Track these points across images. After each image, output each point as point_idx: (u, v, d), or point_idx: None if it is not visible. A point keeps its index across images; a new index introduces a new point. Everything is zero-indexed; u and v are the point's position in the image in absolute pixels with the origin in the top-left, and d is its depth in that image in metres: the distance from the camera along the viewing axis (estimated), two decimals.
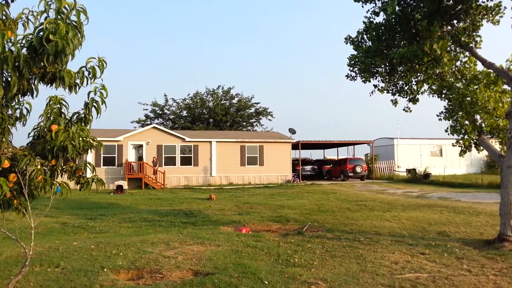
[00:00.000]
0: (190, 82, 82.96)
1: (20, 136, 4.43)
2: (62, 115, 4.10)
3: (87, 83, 3.95)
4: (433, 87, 10.29)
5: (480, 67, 9.72)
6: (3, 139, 3.86)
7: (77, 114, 4.14)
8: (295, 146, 33.55)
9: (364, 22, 10.07)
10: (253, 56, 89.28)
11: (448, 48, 9.32)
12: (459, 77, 9.96)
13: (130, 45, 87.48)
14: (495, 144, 9.99)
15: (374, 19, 9.92)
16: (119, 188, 23.23)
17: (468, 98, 9.41)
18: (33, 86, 3.82)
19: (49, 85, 3.83)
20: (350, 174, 31.89)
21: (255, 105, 48.63)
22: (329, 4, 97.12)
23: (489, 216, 11.81)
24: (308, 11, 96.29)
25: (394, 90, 10.85)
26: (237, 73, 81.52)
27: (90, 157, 26.71)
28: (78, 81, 3.89)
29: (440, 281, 5.70)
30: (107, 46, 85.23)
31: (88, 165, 4.38)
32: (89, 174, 4.48)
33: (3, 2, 3.65)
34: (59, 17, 3.39)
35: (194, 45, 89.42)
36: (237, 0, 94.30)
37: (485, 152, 12.17)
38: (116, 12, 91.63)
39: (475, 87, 9.49)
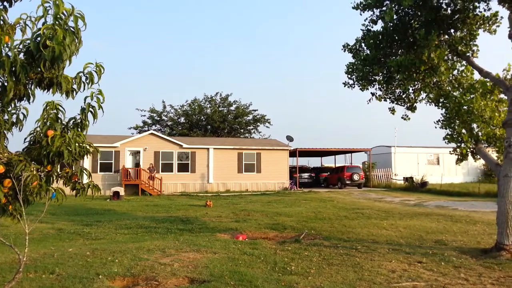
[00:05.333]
0: (188, 88, 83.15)
1: (16, 141, 4.40)
2: (59, 121, 4.07)
3: (84, 89, 3.93)
4: (431, 95, 10.33)
5: (477, 76, 9.78)
6: None
7: (74, 120, 4.11)
8: (292, 154, 33.58)
9: (362, 30, 10.16)
10: (251, 63, 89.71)
11: (445, 57, 9.39)
12: (456, 86, 10.00)
13: (127, 50, 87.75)
14: (492, 153, 10.01)
15: (372, 27, 10.01)
16: (116, 194, 23.15)
17: (465, 107, 9.44)
18: (29, 91, 3.80)
19: (46, 90, 3.82)
20: (347, 182, 31.96)
21: (252, 112, 48.76)
22: (328, 11, 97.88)
23: (486, 225, 11.80)
24: (305, 18, 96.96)
25: (392, 98, 10.89)
26: (235, 80, 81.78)
27: (86, 163, 26.66)
28: (75, 86, 3.88)
29: None
30: (104, 51, 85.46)
31: (84, 171, 4.37)
32: (85, 180, 4.46)
33: (1, 7, 3.64)
34: (56, 23, 3.38)
35: (193, 51, 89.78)
36: (234, 6, 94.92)
37: (482, 161, 12.18)
38: (113, 17, 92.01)
39: (471, 96, 9.53)
